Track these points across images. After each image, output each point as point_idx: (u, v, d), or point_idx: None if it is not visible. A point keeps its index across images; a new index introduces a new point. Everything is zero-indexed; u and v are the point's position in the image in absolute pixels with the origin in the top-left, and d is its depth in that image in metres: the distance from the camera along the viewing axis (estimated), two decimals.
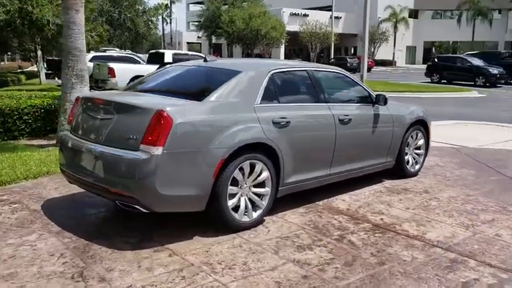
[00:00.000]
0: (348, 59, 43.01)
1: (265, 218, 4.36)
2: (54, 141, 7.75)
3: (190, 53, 18.77)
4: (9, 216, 4.37)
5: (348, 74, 5.48)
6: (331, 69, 5.40)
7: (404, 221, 4.50)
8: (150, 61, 17.96)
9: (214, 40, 49.57)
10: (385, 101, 5.42)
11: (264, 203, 4.26)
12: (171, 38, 65.16)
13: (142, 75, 15.76)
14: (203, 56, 18.51)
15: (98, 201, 4.86)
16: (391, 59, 56.05)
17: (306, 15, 53.22)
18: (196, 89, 4.42)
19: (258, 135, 4.11)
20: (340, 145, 4.91)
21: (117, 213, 4.59)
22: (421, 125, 6.21)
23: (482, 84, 25.05)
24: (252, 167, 4.11)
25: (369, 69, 44.91)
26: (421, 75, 30.93)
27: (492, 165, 7.00)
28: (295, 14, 53.40)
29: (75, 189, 5.15)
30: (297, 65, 5.31)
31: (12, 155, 6.60)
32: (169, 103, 3.83)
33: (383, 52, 55.06)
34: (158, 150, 3.57)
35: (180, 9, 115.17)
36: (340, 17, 56.45)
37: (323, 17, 51.55)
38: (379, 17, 55.94)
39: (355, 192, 5.43)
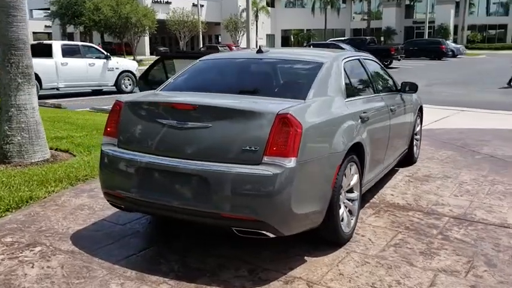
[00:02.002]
0: (219, 48, 42.96)
1: None
2: None
3: (80, 43, 16.75)
4: (49, 265, 3.27)
5: (377, 61, 5.25)
6: (369, 56, 5.10)
7: (472, 210, 4.45)
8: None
9: (73, 29, 45.37)
10: (414, 88, 5.30)
11: (356, 208, 3.84)
12: None
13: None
14: (94, 46, 16.70)
15: (138, 229, 3.95)
16: (255, 47, 57.52)
17: (168, 3, 51.68)
18: (285, 86, 3.77)
19: (358, 134, 3.68)
20: (391, 137, 4.69)
21: (180, 242, 3.73)
22: (420, 111, 6.28)
23: None
24: (350, 170, 3.66)
25: None
26: None
27: (460, 144, 7.45)
28: (157, 1, 51.49)
29: (89, 217, 4.17)
30: (349, 52, 4.89)
31: None
32: (284, 105, 3.16)
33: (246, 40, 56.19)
34: (291, 162, 2.94)
35: None
36: (203, 5, 56.03)
37: (186, 4, 50.58)
38: (239, 6, 56.93)
39: (389, 184, 5.27)
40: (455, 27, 61.75)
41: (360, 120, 3.81)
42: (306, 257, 3.42)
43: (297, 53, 4.59)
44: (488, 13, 67.60)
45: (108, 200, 3.61)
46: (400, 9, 66.07)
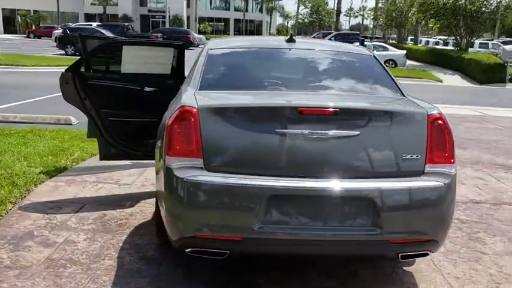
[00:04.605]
0: None
1: None
2: None
3: None
4: None
5: None
6: None
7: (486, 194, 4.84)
8: None
9: None
10: None
11: None
12: None
13: None
14: None
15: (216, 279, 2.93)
16: None
17: None
18: (369, 81, 3.23)
19: None
20: None
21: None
22: None
23: None
24: None
25: None
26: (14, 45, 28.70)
27: None
28: None
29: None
30: None
31: None
32: (420, 104, 2.79)
33: None
34: (453, 169, 2.65)
35: None
36: None
37: None
38: None
39: None
40: (188, 18, 65.27)
41: None
42: (405, 269, 3.16)
43: (327, 43, 4.10)
44: (212, 7, 73.94)
45: (192, 249, 2.52)
46: None
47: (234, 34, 69.68)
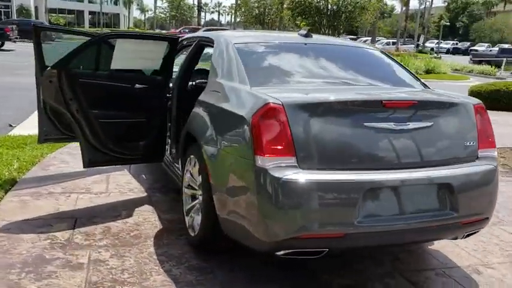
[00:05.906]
0: None
1: None
2: None
3: None
4: None
5: None
6: None
7: None
8: None
9: None
10: None
11: None
12: None
13: None
14: None
15: None
16: None
17: None
18: (391, 73, 3.37)
19: None
20: None
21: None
22: None
23: None
24: None
25: None
26: None
27: None
28: None
29: None
30: None
31: None
32: (454, 94, 3.04)
33: None
34: (496, 152, 2.96)
35: None
36: None
37: None
38: None
39: None
40: (36, 8, 59.63)
41: None
42: (431, 248, 3.42)
43: (335, 39, 4.14)
44: None
45: (288, 250, 2.41)
46: None
47: (89, 27, 65.62)
